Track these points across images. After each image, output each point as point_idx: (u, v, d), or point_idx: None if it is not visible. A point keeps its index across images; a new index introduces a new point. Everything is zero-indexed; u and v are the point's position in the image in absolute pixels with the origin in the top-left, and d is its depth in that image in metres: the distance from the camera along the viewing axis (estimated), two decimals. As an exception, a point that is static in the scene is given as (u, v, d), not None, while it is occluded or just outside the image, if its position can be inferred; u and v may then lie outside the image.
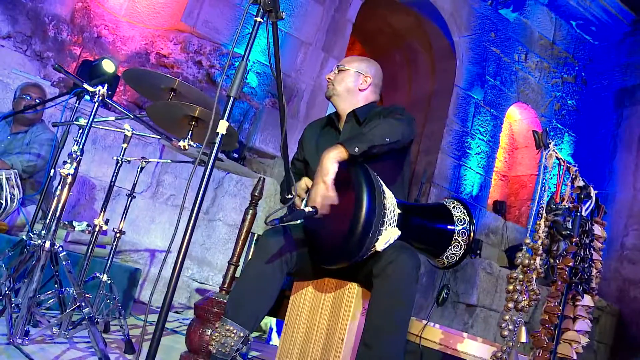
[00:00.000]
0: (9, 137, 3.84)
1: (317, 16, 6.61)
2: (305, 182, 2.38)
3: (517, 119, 8.78)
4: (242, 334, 2.10)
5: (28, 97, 3.82)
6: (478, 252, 6.40)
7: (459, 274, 5.72)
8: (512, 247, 7.39)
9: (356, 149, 2.03)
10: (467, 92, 7.86)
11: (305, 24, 6.54)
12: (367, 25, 8.12)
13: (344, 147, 2.04)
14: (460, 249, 2.27)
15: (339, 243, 2.00)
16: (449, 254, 2.28)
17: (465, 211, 2.32)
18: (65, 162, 2.14)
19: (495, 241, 7.82)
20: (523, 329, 1.84)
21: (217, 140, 1.59)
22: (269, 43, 1.75)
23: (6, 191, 3.31)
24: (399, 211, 2.08)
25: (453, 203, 2.37)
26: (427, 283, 5.80)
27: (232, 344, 2.08)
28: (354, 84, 2.48)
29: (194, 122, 2.33)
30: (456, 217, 2.30)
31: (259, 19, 1.70)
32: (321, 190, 2.01)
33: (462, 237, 2.26)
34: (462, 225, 2.27)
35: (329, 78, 2.52)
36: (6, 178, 3.32)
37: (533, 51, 8.53)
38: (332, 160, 2.03)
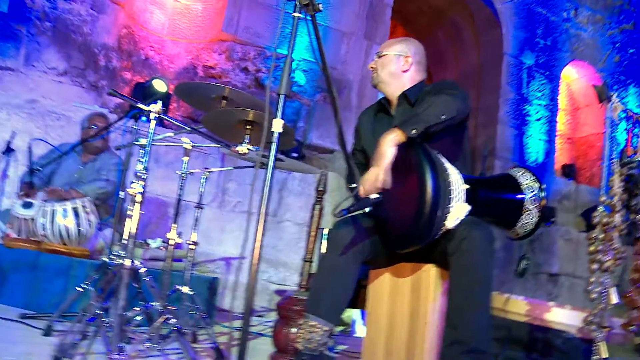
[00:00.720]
0: (80, 167, 4.01)
1: (355, 5, 6.57)
2: None
3: (574, 78, 8.45)
4: (326, 328, 2.11)
5: (94, 127, 3.97)
6: (553, 219, 6.21)
7: (536, 244, 5.57)
8: (588, 210, 7.13)
9: (413, 131, 2.01)
10: (518, 58, 7.63)
11: (344, 15, 6.50)
12: (406, 7, 8.00)
13: (401, 130, 2.03)
14: (534, 217, 2.21)
15: (409, 226, 1.99)
16: (523, 224, 2.22)
17: (533, 178, 2.27)
18: (132, 182, 2.21)
19: (569, 206, 7.56)
20: (612, 290, 1.77)
21: (275, 139, 1.61)
22: (311, 37, 1.75)
23: (83, 219, 3.45)
24: (465, 186, 2.04)
25: (520, 171, 2.31)
26: (504, 257, 5.67)
27: (318, 338, 2.09)
28: (396, 67, 2.44)
29: (249, 126, 2.36)
30: (524, 185, 2.25)
31: (297, 15, 1.71)
32: (377, 176, 2.01)
33: (534, 205, 2.21)
34: (532, 192, 2.22)
35: (371, 67, 2.50)
36: (82, 206, 3.46)
37: (583, 5, 8.18)
38: (389, 144, 2.02)
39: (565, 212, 7.45)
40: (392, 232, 2.13)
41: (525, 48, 7.69)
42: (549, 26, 7.93)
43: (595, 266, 1.61)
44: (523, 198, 2.21)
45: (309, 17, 1.74)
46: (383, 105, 2.52)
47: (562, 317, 2.39)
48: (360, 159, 2.56)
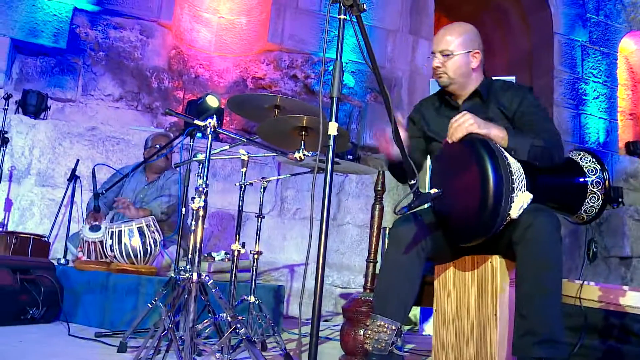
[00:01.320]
0: (145, 187, 4.13)
1: (396, 1, 6.54)
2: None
3: (633, 49, 8.10)
4: (394, 327, 2.09)
5: (158, 146, 4.08)
6: (620, 200, 5.97)
7: (604, 227, 5.36)
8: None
9: (512, 152, 2.02)
10: (569, 37, 7.39)
11: (387, 13, 6.47)
12: (449, -3, 7.89)
13: (509, 139, 2.05)
14: (598, 199, 2.16)
15: (473, 219, 1.95)
16: (587, 207, 2.18)
17: (594, 160, 2.21)
18: (193, 198, 2.24)
19: (637, 185, 7.25)
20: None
21: (331, 142, 1.60)
22: (358, 37, 1.73)
23: (149, 237, 3.53)
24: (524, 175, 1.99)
25: (580, 154, 2.26)
26: (571, 243, 5.49)
27: (386, 338, 2.08)
28: (467, 67, 2.33)
29: (304, 132, 2.36)
30: (586, 167, 2.20)
31: (342, 17, 1.69)
32: (470, 121, 2.02)
33: (598, 187, 2.15)
34: (595, 175, 2.17)
35: (437, 67, 2.34)
36: (146, 225, 3.55)
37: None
38: (495, 132, 2.04)
39: (633, 191, 7.15)
40: (456, 227, 2.10)
41: (576, 25, 7.45)
42: (600, -1, 7.65)
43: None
44: (585, 181, 2.17)
45: (354, 18, 1.72)
46: (446, 99, 2.44)
47: (638, 300, 2.29)
48: (415, 146, 2.47)
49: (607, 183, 2.15)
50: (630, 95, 8.13)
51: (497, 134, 2.04)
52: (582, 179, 2.17)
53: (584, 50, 7.44)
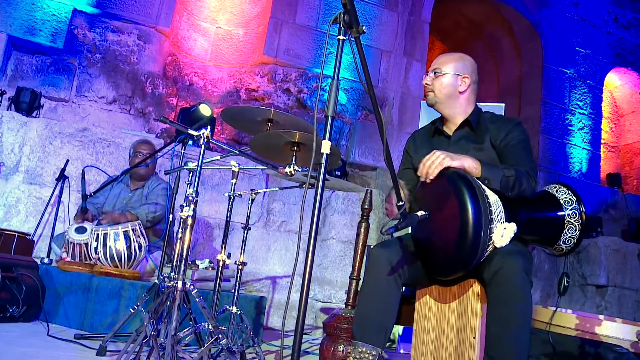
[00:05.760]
0: (129, 194, 4.13)
1: (392, 23, 6.62)
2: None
3: (618, 84, 8.28)
4: (375, 352, 2.13)
5: (140, 154, 4.10)
6: (599, 229, 6.07)
7: (582, 255, 5.44)
8: (635, 219, 6.95)
9: (486, 181, 2.07)
10: (558, 68, 7.54)
11: (382, 33, 6.56)
12: (443, 23, 8.02)
13: (483, 169, 2.09)
14: (576, 230, 2.20)
15: (453, 251, 1.98)
16: (565, 238, 2.22)
17: (570, 192, 2.26)
18: (182, 206, 2.27)
19: (616, 216, 7.38)
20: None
21: (323, 160, 1.63)
22: (356, 58, 1.77)
23: (134, 241, 3.54)
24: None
25: (555, 187, 2.31)
26: (550, 269, 5.56)
27: None
28: (454, 88, 2.39)
29: (295, 148, 2.40)
30: (562, 199, 2.24)
31: (342, 37, 1.73)
32: (442, 157, 2.06)
33: (574, 218, 2.20)
34: (571, 206, 2.21)
35: (426, 84, 2.44)
36: (132, 229, 3.56)
37: (624, 9, 8.03)
38: (468, 163, 2.08)
39: (612, 221, 7.27)
40: (436, 260, 2.13)
41: (565, 57, 7.59)
42: (589, 33, 7.82)
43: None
44: (563, 214, 2.21)
45: (352, 39, 1.76)
46: (438, 128, 2.50)
47: (614, 330, 2.34)
48: (410, 177, 2.54)
49: (583, 215, 2.19)
50: (613, 128, 8.30)
51: (470, 164, 2.09)
52: (560, 212, 2.22)
53: (572, 82, 7.60)
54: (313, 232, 1.60)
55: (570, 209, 2.20)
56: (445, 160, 2.06)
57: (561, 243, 2.23)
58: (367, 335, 2.15)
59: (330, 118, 1.66)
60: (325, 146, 1.64)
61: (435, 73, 2.42)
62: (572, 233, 2.20)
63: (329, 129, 1.65)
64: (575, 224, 2.19)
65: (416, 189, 2.33)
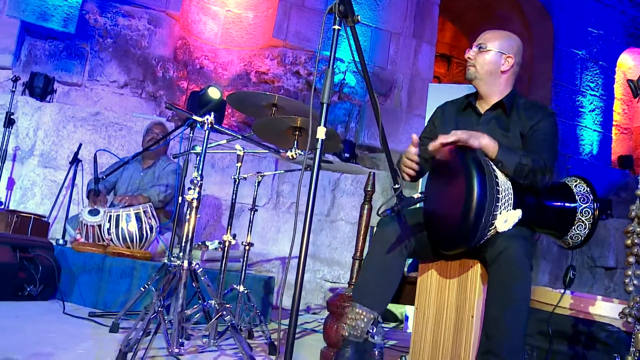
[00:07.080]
0: (141, 174, 4.23)
1: (402, 5, 6.61)
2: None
3: (631, 65, 8.19)
4: (371, 316, 2.18)
5: (153, 134, 4.21)
6: (609, 212, 6.07)
7: (592, 237, 5.46)
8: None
9: (499, 164, 2.06)
10: (570, 49, 7.48)
11: (391, 15, 6.56)
12: (454, 4, 7.96)
13: (498, 151, 2.07)
14: (585, 228, 2.18)
15: (454, 229, 2.00)
16: (573, 234, 2.20)
17: (588, 189, 2.22)
18: (189, 189, 2.35)
19: (627, 198, 7.35)
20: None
21: (318, 145, 1.69)
22: (352, 47, 1.82)
23: (145, 223, 3.64)
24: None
25: (575, 181, 2.27)
26: (558, 252, 5.59)
27: (363, 325, 2.16)
28: (496, 66, 2.33)
29: (297, 132, 2.45)
30: (578, 195, 2.21)
31: (336, 27, 1.77)
32: (458, 136, 2.04)
33: (586, 216, 2.17)
34: (586, 203, 2.18)
35: (469, 58, 2.38)
36: (143, 211, 3.66)
37: (639, -12, 7.93)
38: (485, 142, 2.06)
39: (623, 203, 7.25)
40: (439, 232, 2.16)
41: (577, 38, 7.53)
42: (602, 14, 7.72)
43: (632, 259, 1.62)
44: (575, 208, 2.18)
45: (348, 28, 1.81)
46: (472, 103, 2.45)
47: (606, 310, 2.38)
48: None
49: (596, 213, 2.16)
50: (625, 109, 8.22)
51: (488, 143, 2.08)
52: (572, 205, 2.18)
53: (583, 63, 7.54)
54: (309, 211, 1.67)
55: (585, 206, 2.17)
56: (463, 137, 2.04)
57: (568, 237, 2.21)
58: (365, 299, 2.19)
59: (325, 105, 1.71)
60: (321, 132, 1.69)
61: (480, 48, 2.36)
62: (580, 230, 2.18)
63: (324, 115, 1.71)
64: (586, 222, 2.17)
65: (432, 161, 2.30)
